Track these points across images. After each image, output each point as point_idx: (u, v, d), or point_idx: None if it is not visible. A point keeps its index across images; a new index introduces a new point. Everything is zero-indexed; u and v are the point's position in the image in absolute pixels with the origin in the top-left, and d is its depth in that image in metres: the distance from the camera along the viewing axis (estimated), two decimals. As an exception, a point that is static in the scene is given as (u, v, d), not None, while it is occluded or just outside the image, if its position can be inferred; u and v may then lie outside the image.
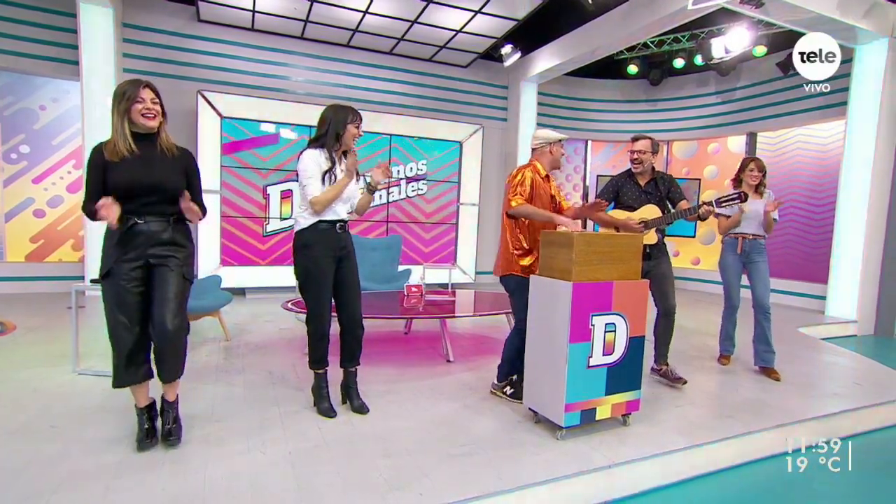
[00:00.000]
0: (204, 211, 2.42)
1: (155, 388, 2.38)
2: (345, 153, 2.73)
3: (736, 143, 8.71)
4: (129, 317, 2.19)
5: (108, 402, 2.83)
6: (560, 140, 3.07)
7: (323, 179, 2.63)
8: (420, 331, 4.98)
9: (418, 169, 7.76)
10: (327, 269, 2.68)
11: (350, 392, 2.88)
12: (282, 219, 7.19)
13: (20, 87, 6.64)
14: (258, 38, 7.35)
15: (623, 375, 2.66)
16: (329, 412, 2.76)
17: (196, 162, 2.42)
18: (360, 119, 2.75)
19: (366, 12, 6.71)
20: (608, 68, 9.25)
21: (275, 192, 7.15)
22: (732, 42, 6.93)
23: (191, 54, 7.02)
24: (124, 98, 2.16)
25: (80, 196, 6.02)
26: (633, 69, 8.86)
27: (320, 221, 2.66)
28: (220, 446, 2.37)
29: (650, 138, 3.47)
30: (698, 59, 8.02)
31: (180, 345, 2.30)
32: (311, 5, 6.54)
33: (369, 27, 7.20)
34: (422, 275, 7.11)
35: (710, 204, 3.25)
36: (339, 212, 2.72)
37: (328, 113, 2.70)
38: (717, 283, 4.08)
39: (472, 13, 6.75)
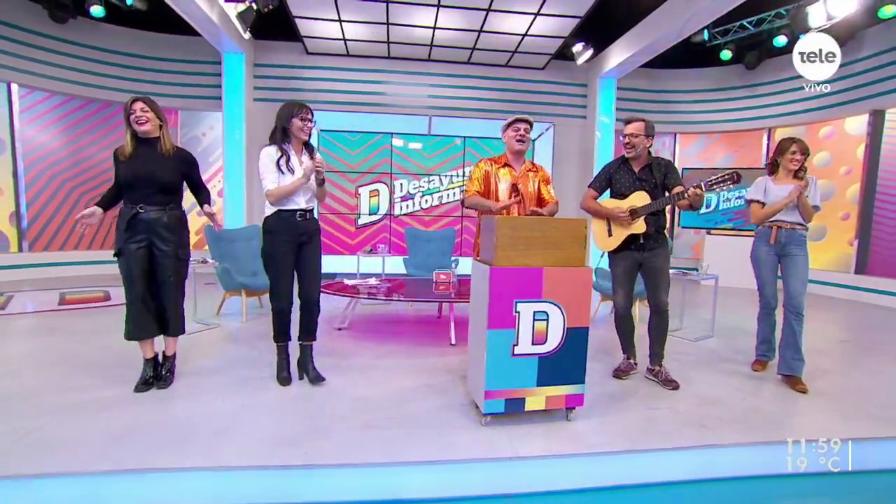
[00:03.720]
0: (207, 193, 2.82)
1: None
2: (306, 145, 2.72)
3: (855, 125, 6.85)
4: (138, 287, 2.52)
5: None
6: (507, 125, 2.73)
7: (278, 166, 2.59)
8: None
9: (488, 168, 7.53)
10: (287, 252, 2.67)
11: (306, 365, 2.84)
12: (370, 213, 7.63)
13: (190, 119, 8.01)
14: (354, 62, 7.80)
15: (559, 367, 2.27)
16: (285, 381, 2.76)
17: (193, 158, 2.73)
18: (307, 110, 2.63)
19: (434, 27, 6.71)
20: (697, 57, 7.94)
21: (364, 191, 7.65)
22: (836, 5, 5.42)
23: (301, 81, 7.73)
24: (125, 111, 2.50)
25: (222, 199, 6.79)
26: (726, 54, 7.51)
27: (281, 210, 2.64)
28: (194, 394, 2.58)
29: (644, 120, 2.90)
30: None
31: (179, 310, 2.67)
32: (388, 27, 6.75)
33: (443, 41, 7.18)
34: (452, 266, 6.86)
35: (698, 186, 2.61)
36: (299, 201, 2.67)
37: (279, 111, 2.64)
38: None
39: (532, 16, 6.33)
